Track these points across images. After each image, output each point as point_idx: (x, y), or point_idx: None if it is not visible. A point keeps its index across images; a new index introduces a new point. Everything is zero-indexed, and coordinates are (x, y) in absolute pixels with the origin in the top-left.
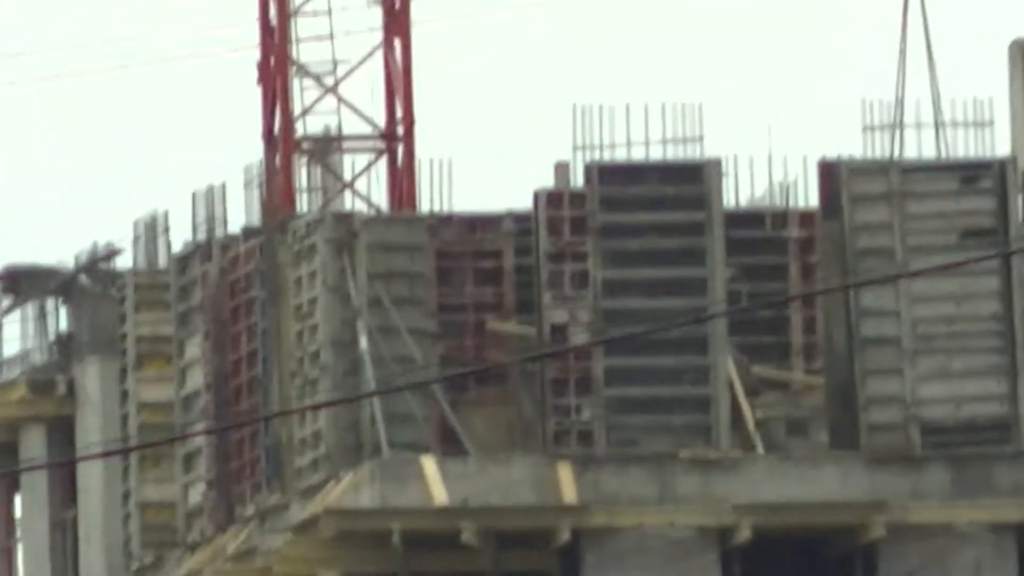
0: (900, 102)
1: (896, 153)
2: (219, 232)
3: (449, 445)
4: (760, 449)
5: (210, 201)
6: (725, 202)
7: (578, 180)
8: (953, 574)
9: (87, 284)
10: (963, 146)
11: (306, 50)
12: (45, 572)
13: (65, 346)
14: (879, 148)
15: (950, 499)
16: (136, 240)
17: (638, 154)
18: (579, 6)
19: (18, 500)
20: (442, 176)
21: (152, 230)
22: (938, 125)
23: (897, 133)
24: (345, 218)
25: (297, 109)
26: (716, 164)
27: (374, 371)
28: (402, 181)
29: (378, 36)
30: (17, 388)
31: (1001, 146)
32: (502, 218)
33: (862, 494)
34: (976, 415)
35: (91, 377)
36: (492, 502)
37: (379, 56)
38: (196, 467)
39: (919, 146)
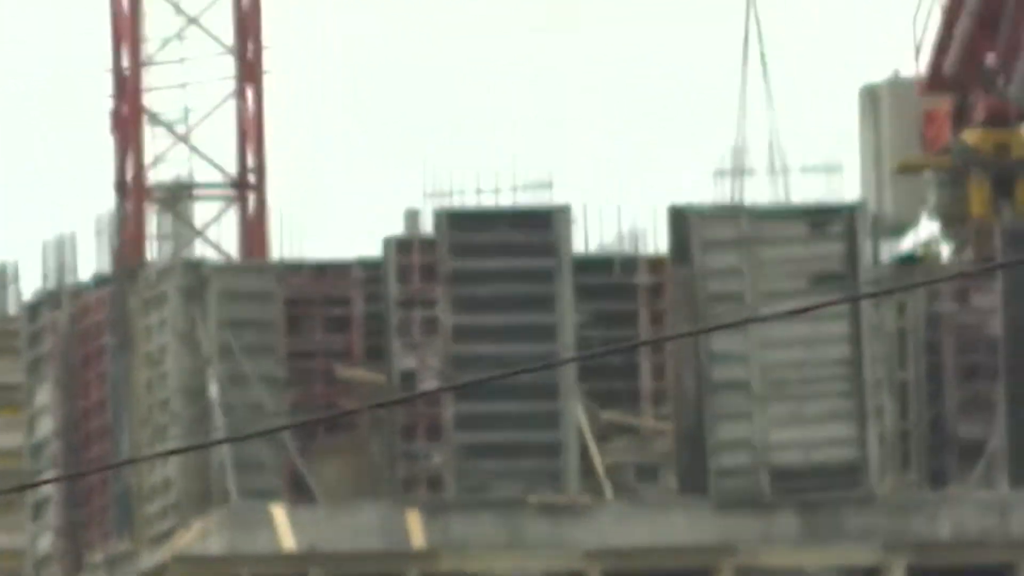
0: (742, 149)
1: (746, 198)
2: (69, 280)
3: (298, 492)
4: (609, 494)
5: (60, 250)
6: (575, 248)
7: (428, 227)
8: None
9: None
10: (813, 191)
11: (159, 99)
12: None
13: None
14: (729, 194)
15: (800, 543)
16: None
17: (488, 201)
18: (429, 55)
19: None
20: (293, 224)
21: (2, 279)
22: (784, 171)
23: (744, 179)
24: (195, 266)
25: (149, 158)
26: (565, 211)
27: (224, 419)
28: (252, 230)
29: (230, 85)
30: None
31: (850, 191)
32: (352, 265)
33: (712, 539)
34: (825, 460)
35: None
36: (341, 548)
37: (231, 105)
38: (45, 515)
39: (777, 191)
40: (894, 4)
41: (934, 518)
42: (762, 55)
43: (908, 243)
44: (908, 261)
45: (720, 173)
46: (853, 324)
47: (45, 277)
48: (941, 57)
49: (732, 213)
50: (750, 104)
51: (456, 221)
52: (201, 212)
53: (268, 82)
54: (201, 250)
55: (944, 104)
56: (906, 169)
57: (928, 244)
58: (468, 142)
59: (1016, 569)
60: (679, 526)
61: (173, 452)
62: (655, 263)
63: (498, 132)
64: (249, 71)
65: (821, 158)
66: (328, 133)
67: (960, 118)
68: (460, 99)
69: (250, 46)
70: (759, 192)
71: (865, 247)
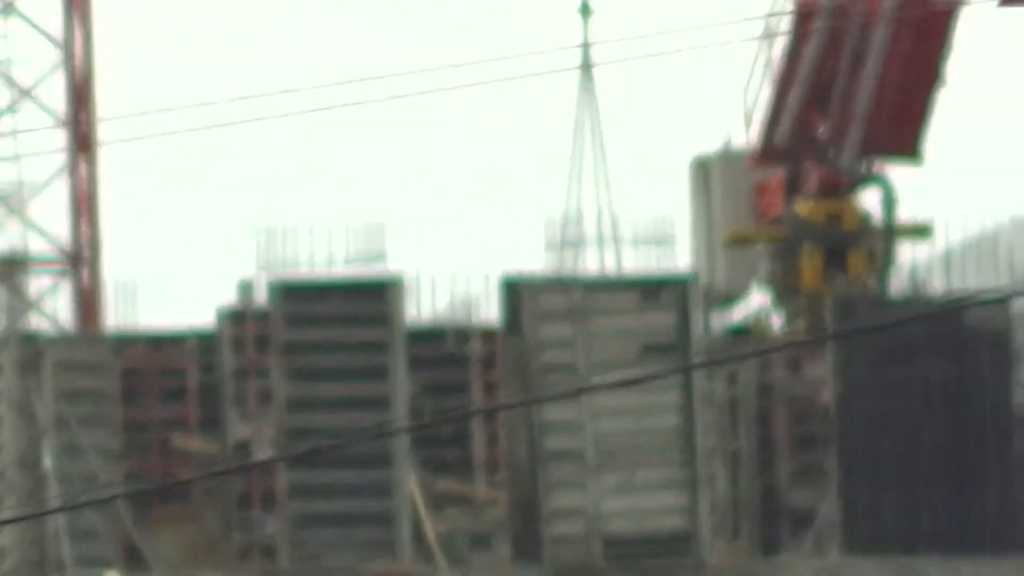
0: (575, 220)
1: (578, 269)
2: None
3: (134, 562)
4: (443, 563)
5: None
6: (408, 318)
7: (263, 298)
8: None
9: None
10: (646, 262)
11: None
12: None
13: None
14: (561, 264)
15: None
16: None
17: (322, 272)
18: (262, 126)
19: None
20: (127, 295)
21: None
22: (616, 241)
23: (577, 249)
24: (31, 338)
25: None
26: (398, 281)
27: (59, 488)
28: (87, 301)
29: (64, 157)
30: None
31: (682, 262)
32: (186, 336)
33: None
34: (657, 528)
35: None
36: None
37: (65, 177)
38: None
39: (610, 262)
40: (726, 76)
41: None
42: (597, 124)
43: (739, 314)
44: (739, 332)
45: (552, 244)
46: (684, 394)
47: None
48: (772, 128)
49: (564, 284)
50: (583, 174)
51: (290, 292)
52: (35, 284)
53: (102, 153)
54: (36, 322)
55: (776, 175)
56: (737, 240)
57: (759, 315)
58: (301, 213)
59: None
60: None
61: (8, 521)
62: (488, 333)
63: (331, 203)
64: (83, 143)
65: (653, 229)
66: (163, 206)
67: (792, 188)
68: (293, 169)
69: (84, 117)
70: (591, 262)
71: (696, 317)
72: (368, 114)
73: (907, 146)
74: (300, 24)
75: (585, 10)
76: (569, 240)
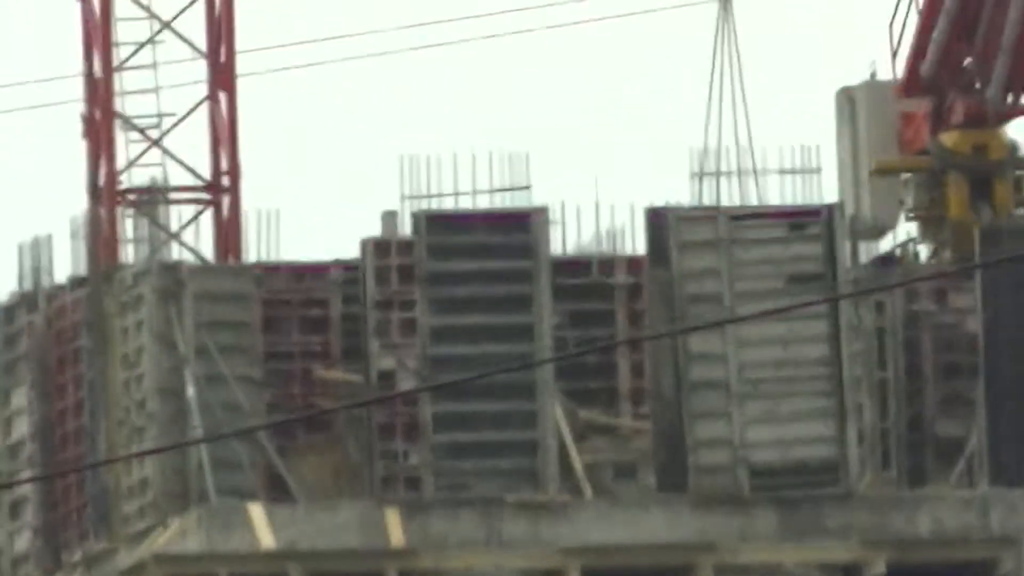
0: (717, 150)
1: (723, 200)
2: (45, 282)
3: (276, 491)
4: (588, 493)
5: (36, 252)
6: (552, 249)
7: (406, 229)
8: None
9: None
10: (791, 193)
11: (131, 103)
12: None
13: None
14: (707, 195)
15: (778, 541)
16: None
17: (465, 203)
18: (404, 56)
19: None
20: (269, 226)
21: None
22: (761, 172)
23: (721, 180)
24: (172, 268)
25: (122, 162)
26: (543, 212)
27: (201, 419)
28: (228, 232)
29: (203, 89)
30: None
31: (828, 193)
32: (329, 267)
33: (690, 536)
34: (804, 458)
35: None
36: (319, 547)
37: (205, 109)
38: (23, 514)
39: (755, 193)
40: (871, 7)
41: (913, 516)
42: (735, 55)
43: (886, 244)
44: (887, 262)
45: (696, 174)
46: (831, 324)
47: (21, 279)
48: (918, 60)
49: (710, 214)
50: (727, 106)
51: (434, 223)
52: (175, 215)
53: (242, 85)
54: (176, 253)
55: (922, 106)
56: (883, 171)
57: (906, 245)
58: (445, 143)
59: (996, 566)
60: (658, 524)
61: (150, 452)
62: (633, 263)
63: (475, 133)
64: (222, 75)
65: (798, 160)
66: (304, 136)
67: (938, 120)
68: (436, 100)
69: (223, 50)
70: (736, 193)
71: (843, 248)
72: (511, 43)
73: None
74: None
75: None
76: (712, 170)
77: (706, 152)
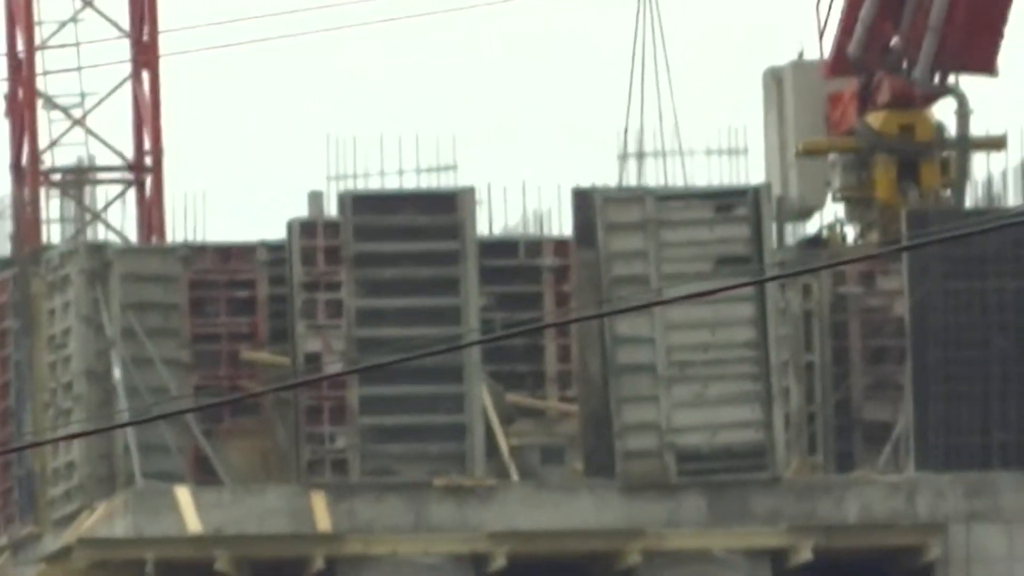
0: (641, 131)
1: (649, 181)
2: None
3: (204, 475)
4: (515, 477)
5: None
6: (479, 231)
7: (332, 210)
8: None
9: None
10: (718, 174)
11: (54, 82)
12: None
13: None
14: (632, 176)
15: (706, 526)
16: None
17: (392, 183)
18: (330, 37)
19: None
20: (195, 207)
21: None
22: (684, 154)
23: (647, 161)
24: (99, 249)
25: (45, 141)
26: (470, 193)
27: (128, 401)
28: (152, 212)
29: (127, 68)
30: None
31: (755, 174)
32: (256, 248)
33: (618, 521)
34: (731, 442)
35: None
36: (246, 531)
37: (128, 88)
38: None
39: (682, 174)
40: None
41: (841, 500)
42: (658, 35)
43: (813, 226)
44: (813, 244)
45: (623, 156)
46: (758, 306)
47: None
48: (845, 40)
49: (636, 195)
50: (651, 86)
51: (361, 203)
52: (100, 195)
53: (166, 64)
54: (101, 234)
55: (849, 86)
56: (810, 151)
57: (833, 227)
58: (372, 124)
59: (923, 551)
60: (585, 509)
61: (77, 435)
62: (560, 245)
63: (402, 114)
64: (145, 54)
65: (725, 140)
66: (231, 116)
67: (865, 100)
68: (362, 79)
69: (146, 29)
70: (663, 175)
71: (770, 229)
72: (439, 23)
73: (982, 59)
74: None
75: None
76: (639, 151)
77: (628, 133)
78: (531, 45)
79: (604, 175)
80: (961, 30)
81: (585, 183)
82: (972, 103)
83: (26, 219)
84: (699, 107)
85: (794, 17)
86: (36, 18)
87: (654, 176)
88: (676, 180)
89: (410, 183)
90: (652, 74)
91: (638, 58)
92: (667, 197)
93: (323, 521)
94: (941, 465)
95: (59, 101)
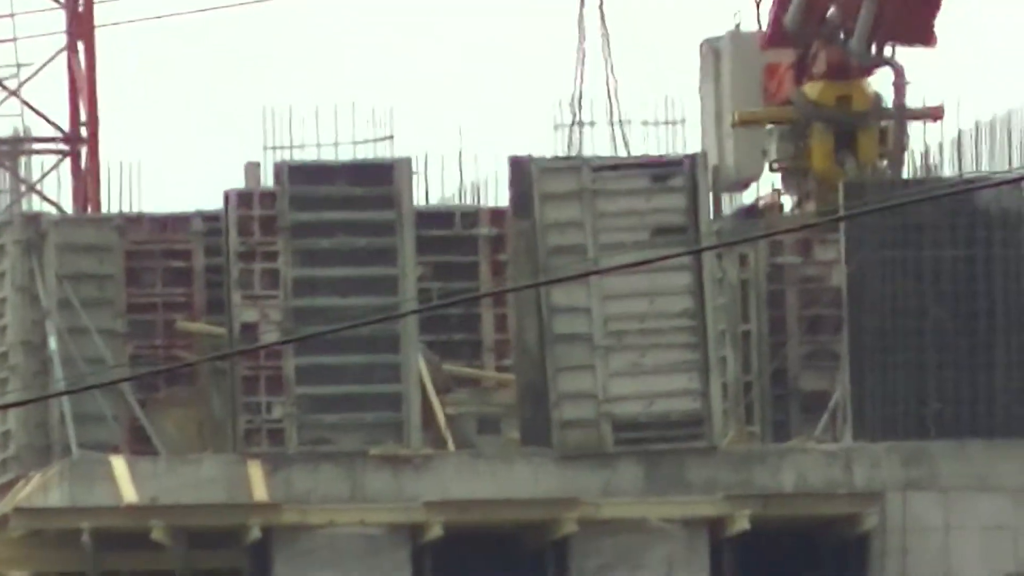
0: (579, 100)
1: (586, 151)
2: None
3: (139, 444)
4: (451, 446)
5: None
6: (416, 201)
7: (268, 180)
8: (645, 569)
9: None
10: (655, 144)
11: None
12: None
13: None
14: (568, 146)
15: (642, 495)
16: None
17: (328, 154)
18: (266, 7)
19: None
20: (130, 177)
21: None
22: (617, 123)
23: (584, 131)
24: (33, 219)
25: None
26: (406, 163)
27: (63, 371)
28: (87, 183)
29: (62, 39)
30: None
31: (692, 144)
32: (191, 218)
33: (554, 490)
34: (668, 411)
35: None
36: (182, 500)
37: (63, 58)
38: None
39: (618, 144)
40: None
41: (777, 470)
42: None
43: (750, 196)
44: (750, 213)
45: (559, 125)
46: (695, 276)
47: None
48: (781, 11)
49: (572, 165)
50: (589, 56)
51: (296, 174)
52: (35, 166)
53: (101, 36)
54: (36, 205)
55: (786, 57)
56: (747, 122)
57: (769, 197)
58: (307, 94)
59: (860, 520)
60: (522, 478)
61: (12, 405)
62: (496, 215)
63: (338, 83)
64: (80, 25)
65: (662, 111)
66: (166, 88)
67: (802, 71)
68: (299, 52)
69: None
70: (599, 145)
71: (706, 200)
72: None
73: (919, 30)
74: None
75: None
76: (576, 121)
77: (576, 102)
78: (466, 14)
79: (541, 145)
80: (898, 0)
81: (522, 152)
82: (909, 74)
83: None
84: (636, 77)
85: None
86: None
87: (591, 146)
88: (613, 150)
89: (346, 154)
90: (595, 44)
91: (584, 28)
92: (603, 167)
93: (259, 491)
94: (878, 434)
95: None
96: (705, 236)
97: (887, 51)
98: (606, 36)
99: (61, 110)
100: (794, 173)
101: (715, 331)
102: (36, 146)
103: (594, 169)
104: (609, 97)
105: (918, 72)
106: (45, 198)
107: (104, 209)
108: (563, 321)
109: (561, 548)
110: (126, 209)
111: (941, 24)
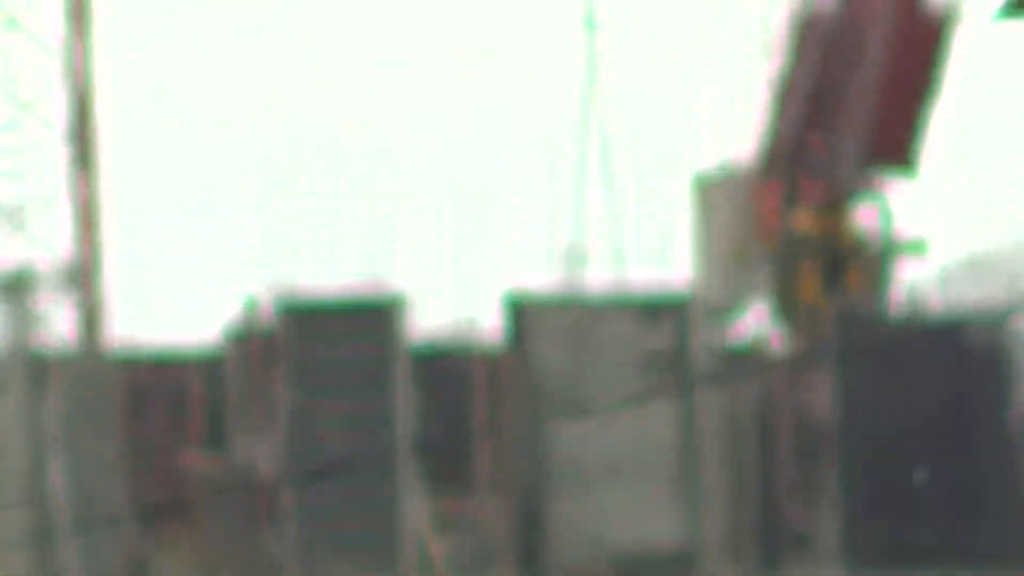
0: (578, 239)
1: (580, 287)
2: None
3: None
4: None
5: None
6: (410, 338)
7: (268, 315)
8: None
9: None
10: (645, 280)
11: None
12: None
13: None
14: (563, 283)
15: None
16: None
17: (327, 290)
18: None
19: None
20: (131, 313)
21: None
22: (621, 260)
23: (580, 268)
24: (37, 356)
25: None
26: (402, 299)
27: (67, 507)
28: (92, 318)
29: (66, 174)
30: None
31: (682, 279)
32: (191, 354)
33: None
34: (660, 545)
35: None
36: None
37: (67, 194)
38: None
39: (612, 278)
40: (723, 91)
41: None
42: (605, 150)
43: (739, 329)
44: (740, 352)
45: (555, 263)
46: (685, 412)
47: None
48: (769, 143)
49: (566, 303)
50: (595, 193)
51: (294, 311)
52: (40, 301)
53: (105, 169)
54: (41, 339)
55: (774, 190)
56: (736, 256)
57: (759, 333)
58: (304, 233)
59: None
60: None
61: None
62: (491, 351)
63: (334, 224)
64: (84, 158)
65: (654, 246)
66: (163, 223)
67: (790, 204)
68: (297, 186)
69: (86, 132)
70: (593, 280)
71: (696, 337)
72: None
73: (902, 158)
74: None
75: (590, 24)
76: (572, 257)
77: (573, 244)
78: (462, 149)
79: (536, 281)
80: (881, 130)
81: (517, 289)
82: (895, 208)
83: None
84: (628, 212)
85: (721, 122)
86: None
87: (585, 283)
88: (609, 287)
89: (344, 289)
90: (596, 181)
91: (582, 165)
92: (597, 305)
93: None
94: (867, 567)
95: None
96: (695, 372)
97: (874, 183)
98: (610, 180)
99: (66, 244)
100: (783, 306)
101: (706, 465)
102: (40, 281)
103: (587, 307)
104: (606, 233)
105: (903, 207)
106: (51, 333)
107: (108, 343)
108: (557, 456)
109: None
110: (127, 344)
111: (927, 158)
